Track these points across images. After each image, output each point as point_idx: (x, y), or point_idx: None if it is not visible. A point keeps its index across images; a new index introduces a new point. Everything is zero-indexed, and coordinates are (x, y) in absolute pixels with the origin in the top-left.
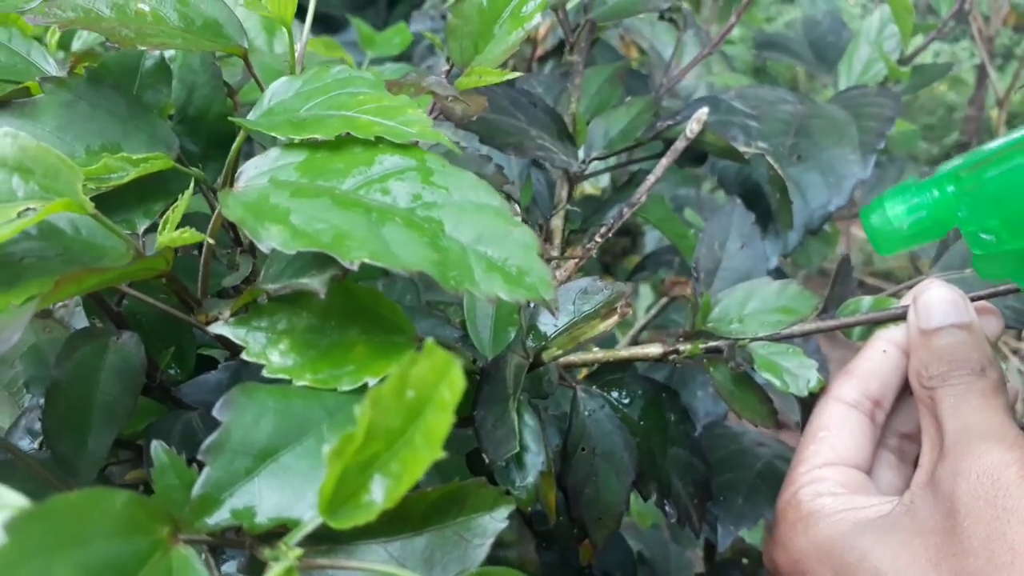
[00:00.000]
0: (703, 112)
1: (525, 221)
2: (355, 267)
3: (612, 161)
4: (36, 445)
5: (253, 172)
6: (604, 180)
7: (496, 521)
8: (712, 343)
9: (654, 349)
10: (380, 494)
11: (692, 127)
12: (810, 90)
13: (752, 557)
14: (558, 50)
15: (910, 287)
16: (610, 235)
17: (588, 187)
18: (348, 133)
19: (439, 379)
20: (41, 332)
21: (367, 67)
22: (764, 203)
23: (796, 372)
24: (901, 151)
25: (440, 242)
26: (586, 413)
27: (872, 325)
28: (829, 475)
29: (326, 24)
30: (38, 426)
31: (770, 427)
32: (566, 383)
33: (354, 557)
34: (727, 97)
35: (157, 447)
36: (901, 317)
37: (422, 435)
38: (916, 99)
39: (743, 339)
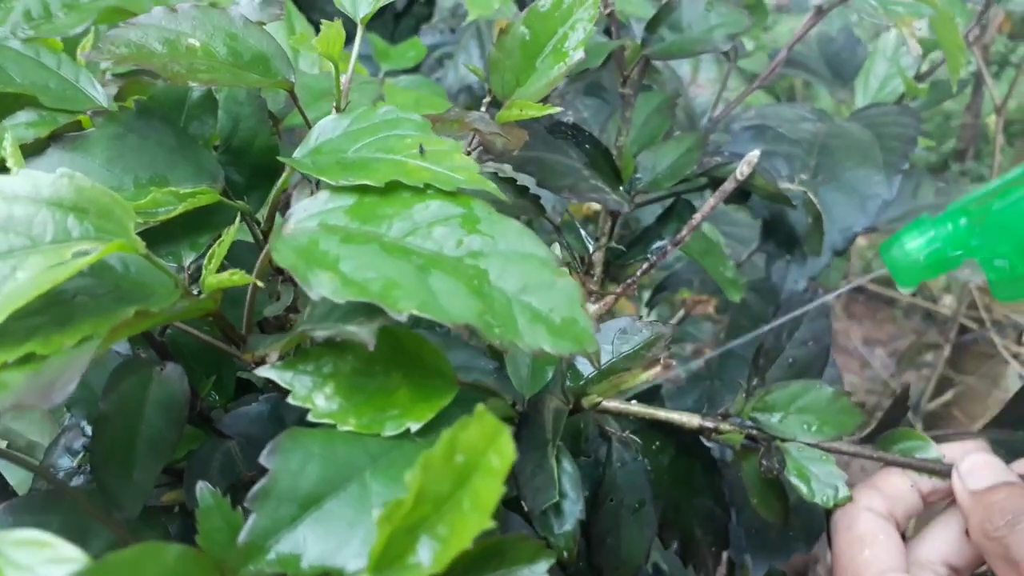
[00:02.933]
0: (754, 155)
1: (569, 259)
2: (403, 318)
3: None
4: (75, 464)
5: (303, 214)
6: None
7: (535, 574)
8: (752, 432)
9: (694, 420)
10: (427, 556)
11: (743, 170)
12: (806, 97)
13: None
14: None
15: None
16: (652, 271)
17: None
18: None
19: (488, 445)
20: None
21: (382, 79)
22: (789, 225)
23: (824, 480)
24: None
25: (485, 291)
26: (618, 464)
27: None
28: None
29: None
30: (78, 444)
31: (780, 523)
32: (603, 433)
33: None
34: (771, 123)
35: (203, 489)
36: (937, 472)
37: (470, 500)
38: None
39: (782, 440)
